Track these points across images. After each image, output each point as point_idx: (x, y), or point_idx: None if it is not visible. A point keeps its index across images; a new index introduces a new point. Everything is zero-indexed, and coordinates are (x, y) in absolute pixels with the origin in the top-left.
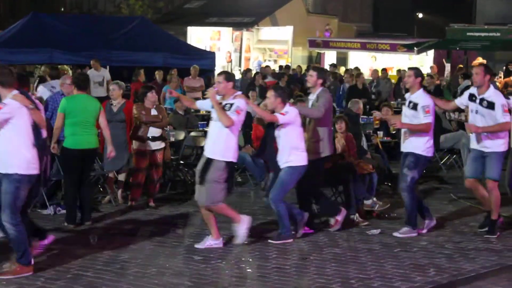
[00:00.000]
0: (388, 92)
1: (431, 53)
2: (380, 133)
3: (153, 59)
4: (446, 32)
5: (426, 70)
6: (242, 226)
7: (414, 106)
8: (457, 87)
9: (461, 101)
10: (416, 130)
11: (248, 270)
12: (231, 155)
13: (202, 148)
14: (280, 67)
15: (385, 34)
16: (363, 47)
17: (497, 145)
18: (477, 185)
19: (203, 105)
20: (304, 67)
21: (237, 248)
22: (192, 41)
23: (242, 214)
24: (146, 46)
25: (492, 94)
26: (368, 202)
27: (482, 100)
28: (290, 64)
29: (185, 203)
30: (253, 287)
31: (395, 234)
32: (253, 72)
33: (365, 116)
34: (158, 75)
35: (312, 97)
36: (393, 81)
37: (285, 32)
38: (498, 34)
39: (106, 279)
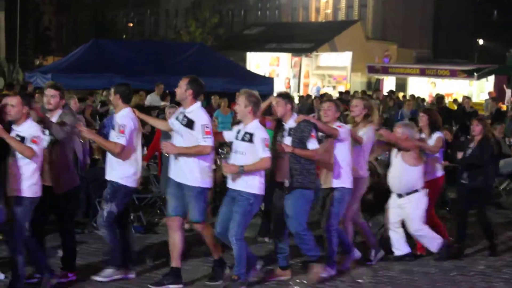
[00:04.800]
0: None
1: (491, 78)
2: None
3: (212, 84)
4: (507, 57)
5: (486, 96)
6: None
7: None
8: None
9: None
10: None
11: None
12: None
13: None
14: (340, 93)
15: (445, 60)
16: (422, 73)
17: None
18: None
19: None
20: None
21: (293, 272)
22: (251, 67)
23: None
24: (205, 72)
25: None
26: None
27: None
28: (349, 90)
29: None
30: None
31: (96, 277)
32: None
33: None
34: (214, 99)
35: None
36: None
37: (344, 58)
38: None
39: None
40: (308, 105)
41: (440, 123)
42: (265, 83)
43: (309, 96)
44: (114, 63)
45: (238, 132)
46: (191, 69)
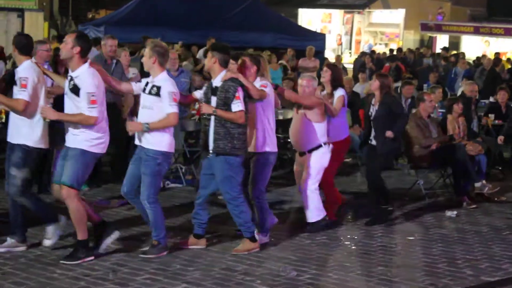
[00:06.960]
0: None
1: None
2: (492, 116)
3: (263, 39)
4: None
5: None
6: None
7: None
8: None
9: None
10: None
11: (353, 247)
12: None
13: None
14: (391, 50)
15: (500, 19)
16: (476, 31)
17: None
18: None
19: None
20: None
21: (344, 226)
22: (303, 23)
23: None
24: (256, 27)
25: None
26: (477, 184)
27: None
28: (402, 48)
29: (293, 181)
30: (357, 263)
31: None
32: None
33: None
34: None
35: None
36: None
37: (397, 15)
38: None
39: (213, 251)
40: (361, 61)
41: (342, 80)
42: (317, 39)
43: (363, 53)
44: (166, 16)
45: (146, 84)
46: (243, 24)
